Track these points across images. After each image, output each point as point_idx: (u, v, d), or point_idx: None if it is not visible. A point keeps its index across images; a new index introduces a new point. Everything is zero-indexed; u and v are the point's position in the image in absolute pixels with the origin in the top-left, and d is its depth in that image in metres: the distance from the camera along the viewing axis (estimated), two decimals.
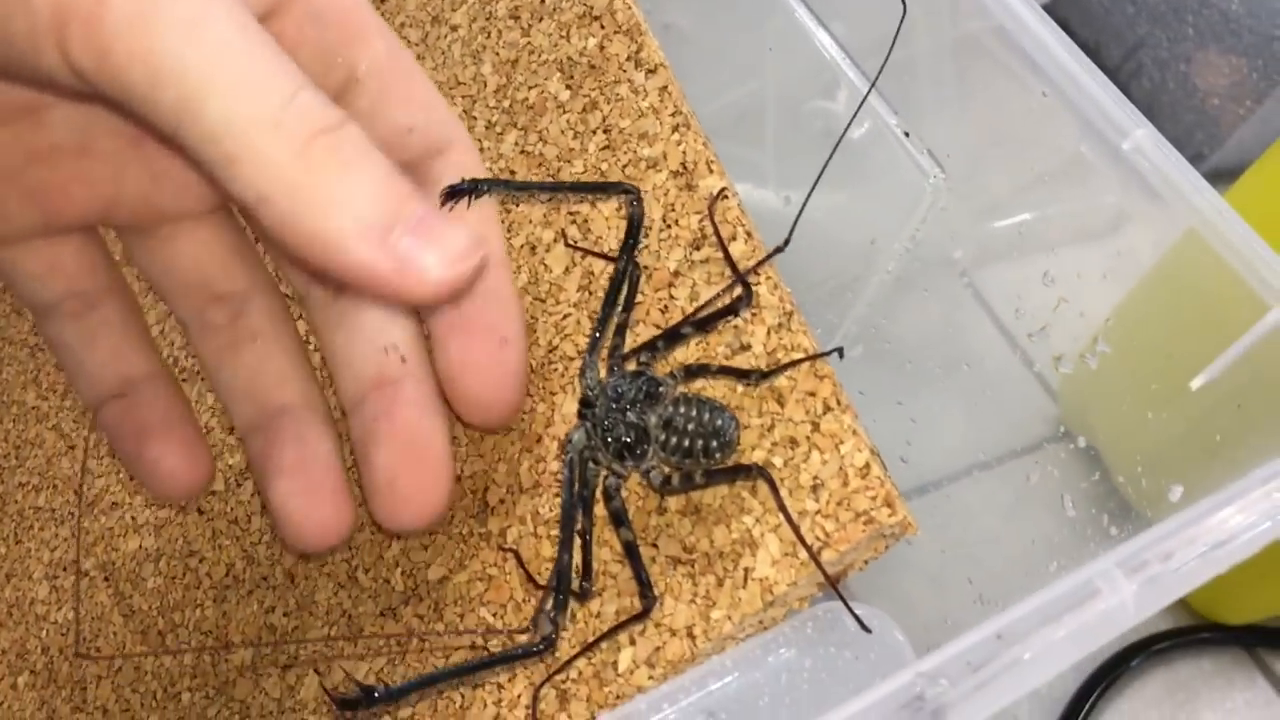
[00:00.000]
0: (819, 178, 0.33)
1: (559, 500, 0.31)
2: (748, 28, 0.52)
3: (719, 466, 0.28)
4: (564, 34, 0.36)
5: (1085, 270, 0.37)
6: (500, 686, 0.30)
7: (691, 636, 0.28)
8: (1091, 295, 0.37)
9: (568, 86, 0.36)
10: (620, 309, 0.31)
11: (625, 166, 0.34)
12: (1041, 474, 0.39)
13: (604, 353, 0.31)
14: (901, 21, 0.34)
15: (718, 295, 0.31)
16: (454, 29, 0.40)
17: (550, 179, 0.35)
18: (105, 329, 0.31)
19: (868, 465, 0.28)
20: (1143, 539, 0.25)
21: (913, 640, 0.31)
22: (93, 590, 0.39)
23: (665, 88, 0.34)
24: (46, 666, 0.39)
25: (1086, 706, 0.59)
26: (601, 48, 0.35)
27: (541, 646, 0.29)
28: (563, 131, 0.35)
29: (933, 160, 0.37)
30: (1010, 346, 0.43)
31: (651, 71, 0.34)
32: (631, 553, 0.29)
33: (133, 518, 0.39)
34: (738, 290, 0.30)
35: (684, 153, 0.33)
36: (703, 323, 0.30)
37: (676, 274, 0.32)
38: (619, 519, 0.29)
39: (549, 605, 0.29)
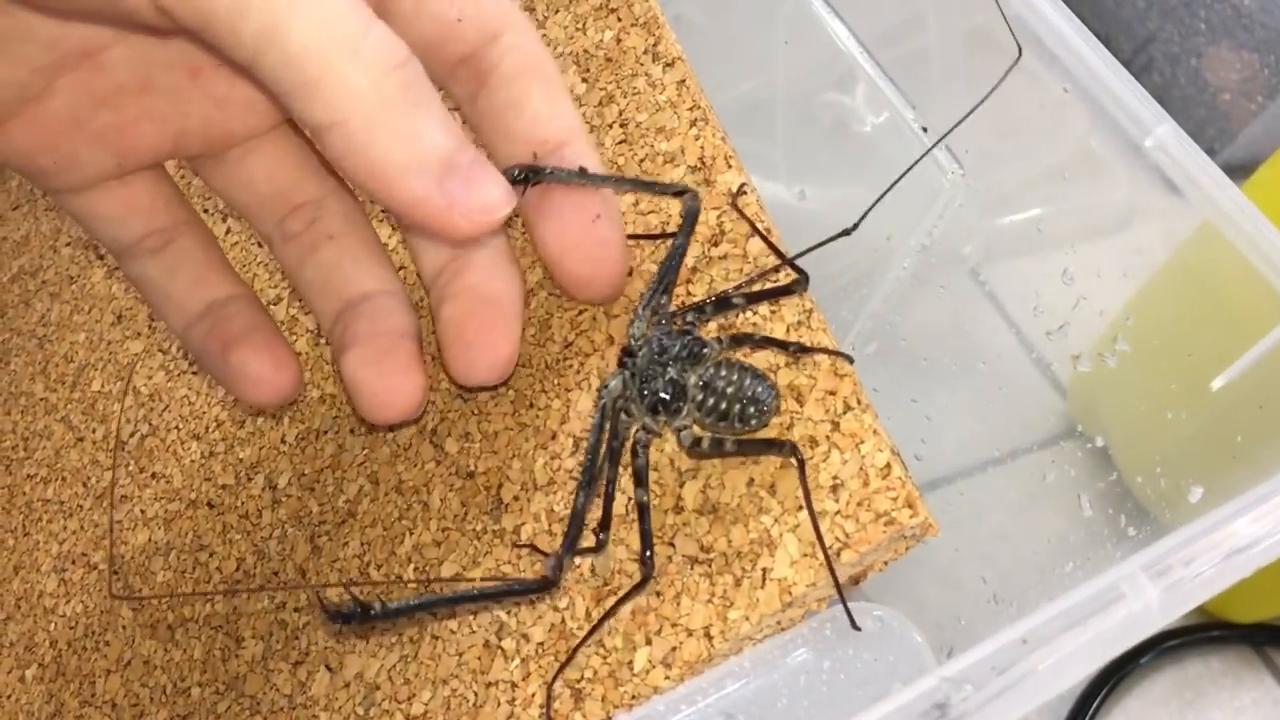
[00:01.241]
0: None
1: (573, 498, 0.31)
2: (759, 19, 0.52)
3: (751, 436, 0.28)
4: (580, 26, 0.36)
5: (1104, 268, 0.36)
6: (514, 685, 0.30)
7: (709, 637, 0.28)
8: (1110, 293, 0.36)
9: (584, 79, 0.35)
10: (672, 274, 0.31)
11: (642, 161, 0.33)
12: (1058, 473, 0.39)
13: (652, 311, 0.31)
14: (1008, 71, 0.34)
15: (768, 272, 0.31)
16: None
17: None
18: (186, 260, 0.33)
19: (889, 465, 0.27)
20: (1166, 543, 0.25)
21: (927, 639, 0.30)
22: (101, 584, 0.39)
23: (683, 81, 0.34)
24: (55, 660, 0.39)
25: (1095, 704, 0.59)
26: (618, 40, 0.35)
27: (542, 584, 0.28)
28: None
29: (951, 157, 0.37)
30: (1024, 344, 0.42)
31: (669, 65, 0.34)
32: (643, 514, 0.29)
33: (142, 511, 0.39)
34: (786, 275, 0.30)
35: (702, 147, 0.33)
36: (755, 296, 0.30)
37: (694, 270, 0.31)
38: (640, 478, 0.29)
39: (558, 549, 0.29)
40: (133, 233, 0.32)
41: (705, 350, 0.29)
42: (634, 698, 0.28)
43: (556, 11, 0.36)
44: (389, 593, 0.32)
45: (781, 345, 0.29)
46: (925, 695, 0.22)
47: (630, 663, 0.29)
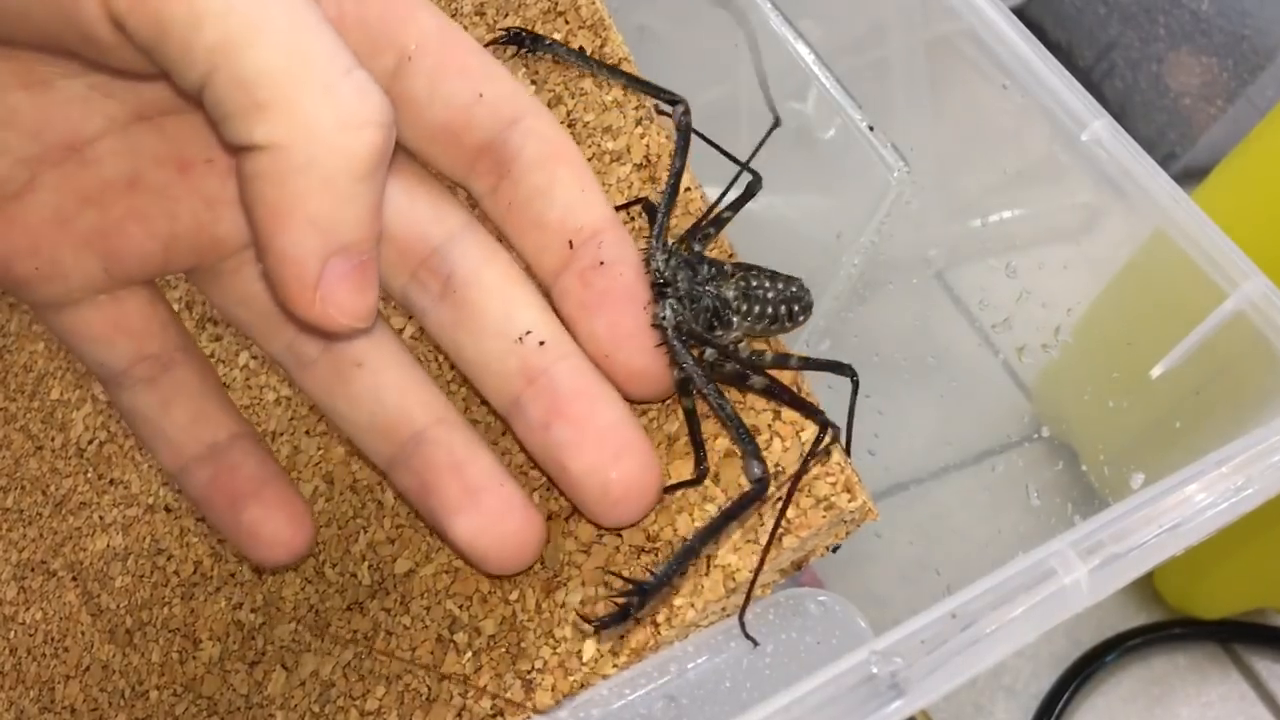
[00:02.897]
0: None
1: (723, 420, 0.30)
2: (721, 29, 0.53)
3: (813, 359, 0.29)
4: (529, 29, 0.36)
5: (1047, 262, 0.37)
6: (466, 679, 0.30)
7: (655, 624, 0.28)
8: (1053, 286, 0.37)
9: (533, 81, 0.36)
10: (672, 202, 0.31)
11: (590, 160, 0.34)
12: (1007, 465, 0.39)
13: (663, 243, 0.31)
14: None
15: (728, 188, 0.31)
16: None
17: None
18: (182, 392, 0.30)
19: (828, 452, 0.28)
20: (1097, 521, 0.25)
21: (881, 632, 0.31)
22: (60, 590, 0.39)
23: None
24: (14, 667, 0.39)
25: (1062, 702, 0.59)
26: (566, 42, 0.35)
27: (761, 486, 0.27)
28: None
29: (897, 154, 0.38)
30: (980, 341, 0.43)
31: (615, 66, 0.35)
32: (691, 420, 0.29)
33: (100, 517, 0.39)
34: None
35: (647, 146, 0.33)
36: (735, 205, 0.31)
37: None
38: (684, 388, 0.29)
39: (746, 456, 0.28)
40: (123, 357, 0.29)
41: (725, 268, 0.30)
42: (583, 686, 0.28)
43: (505, 15, 0.37)
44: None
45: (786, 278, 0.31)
46: (856, 668, 0.22)
47: (579, 652, 0.29)
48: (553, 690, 0.29)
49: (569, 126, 0.34)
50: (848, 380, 0.31)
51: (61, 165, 0.26)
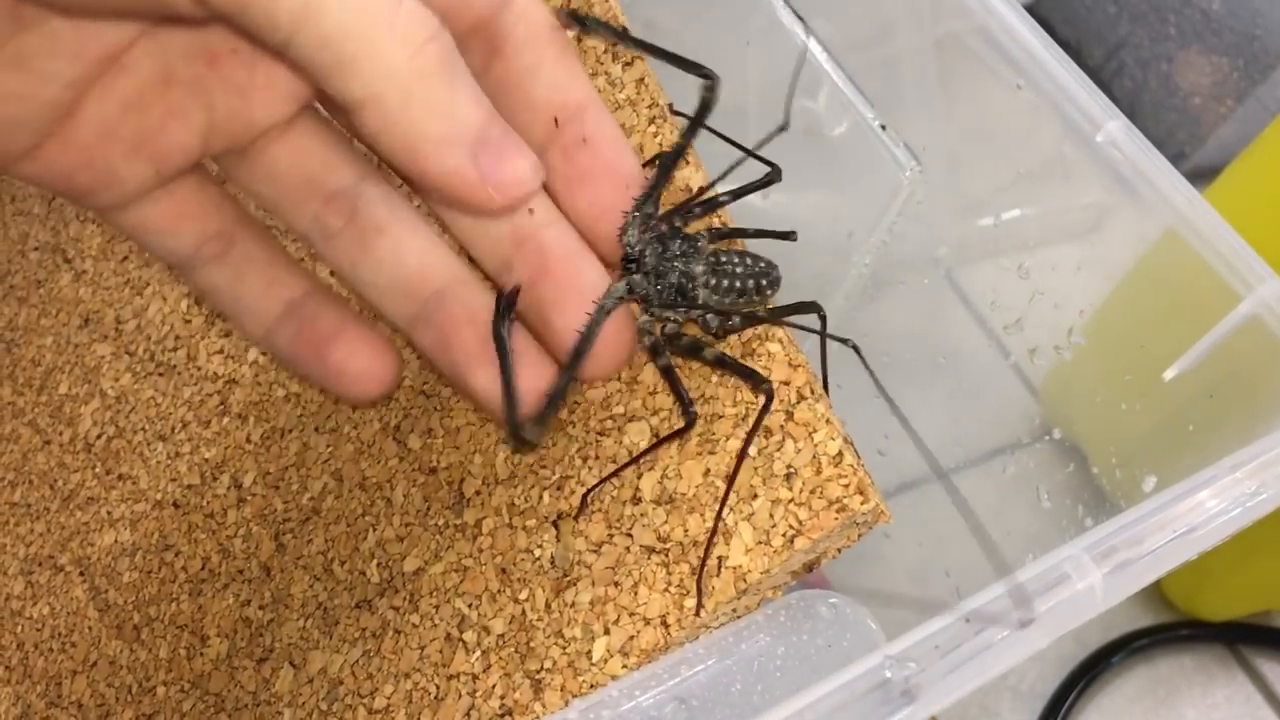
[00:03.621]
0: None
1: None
2: (730, 25, 0.52)
3: (780, 305, 0.31)
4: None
5: (1060, 263, 0.37)
6: (475, 677, 0.30)
7: (665, 625, 0.28)
8: (1067, 289, 0.37)
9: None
10: (663, 182, 0.32)
11: None
12: (1018, 466, 0.39)
13: (642, 220, 0.31)
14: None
15: (726, 172, 0.32)
16: None
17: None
18: (251, 261, 0.32)
19: (840, 454, 0.28)
20: (1111, 525, 0.25)
21: (891, 634, 0.31)
22: (68, 585, 0.39)
23: (642, 80, 0.34)
24: (22, 662, 0.39)
25: (1068, 703, 0.59)
26: (579, 40, 0.35)
27: (768, 386, 0.28)
28: None
29: (909, 153, 0.38)
30: (989, 341, 0.43)
31: (629, 64, 0.35)
32: (669, 375, 0.30)
33: (108, 512, 0.39)
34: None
35: (660, 144, 0.33)
36: (738, 193, 0.32)
37: None
38: (656, 350, 0.30)
39: (746, 379, 0.29)
40: (189, 242, 0.31)
41: (700, 244, 0.31)
42: (592, 687, 0.28)
43: None
44: None
45: (782, 236, 0.32)
46: (870, 673, 0.22)
47: (589, 652, 0.29)
48: (562, 690, 0.29)
49: None
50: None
51: (101, 79, 0.28)
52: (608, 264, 0.31)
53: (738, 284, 0.30)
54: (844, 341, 0.30)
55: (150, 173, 0.30)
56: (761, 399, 0.28)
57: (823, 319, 0.31)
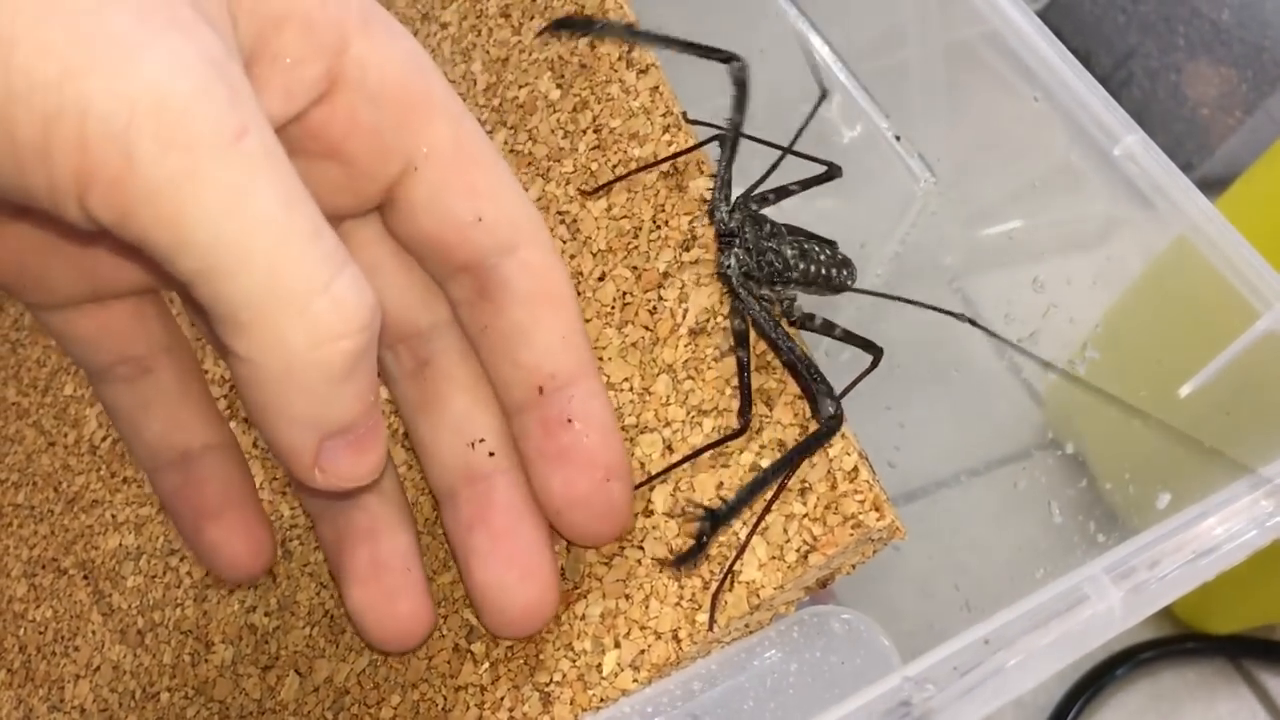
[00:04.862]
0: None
1: (792, 357, 0.30)
2: (740, 29, 0.52)
3: (853, 333, 0.31)
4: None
5: (1075, 276, 0.37)
6: (483, 689, 0.30)
7: (677, 640, 0.28)
8: (1081, 302, 0.37)
9: (558, 85, 0.35)
10: (724, 169, 0.31)
11: (615, 166, 0.33)
12: (1029, 480, 0.39)
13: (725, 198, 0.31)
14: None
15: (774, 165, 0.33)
16: (444, 26, 0.40)
17: (540, 177, 0.35)
18: (161, 395, 0.30)
19: (856, 469, 0.27)
20: (1130, 546, 0.25)
21: (899, 647, 0.30)
22: (71, 588, 0.39)
23: (657, 88, 0.34)
24: (24, 665, 0.39)
25: (1071, 716, 0.59)
26: (593, 46, 0.35)
27: (834, 423, 0.27)
28: (553, 131, 0.35)
29: (924, 164, 0.37)
30: (999, 353, 0.43)
31: (643, 72, 0.34)
32: (742, 372, 0.29)
33: (112, 515, 0.39)
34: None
35: (674, 152, 0.33)
36: (805, 184, 0.33)
37: (666, 275, 0.32)
38: (740, 340, 0.29)
39: (818, 394, 0.28)
40: (104, 358, 0.29)
41: (780, 228, 0.31)
42: (602, 700, 0.28)
43: (532, 18, 0.37)
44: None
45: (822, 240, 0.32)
46: (889, 694, 0.22)
47: (599, 666, 0.29)
48: (571, 704, 0.29)
49: (594, 133, 0.34)
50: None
51: None
52: (571, 543, 0.30)
53: (822, 271, 0.30)
54: (872, 351, 0.30)
55: (86, 290, 0.27)
56: (819, 422, 0.27)
57: (875, 364, 0.31)
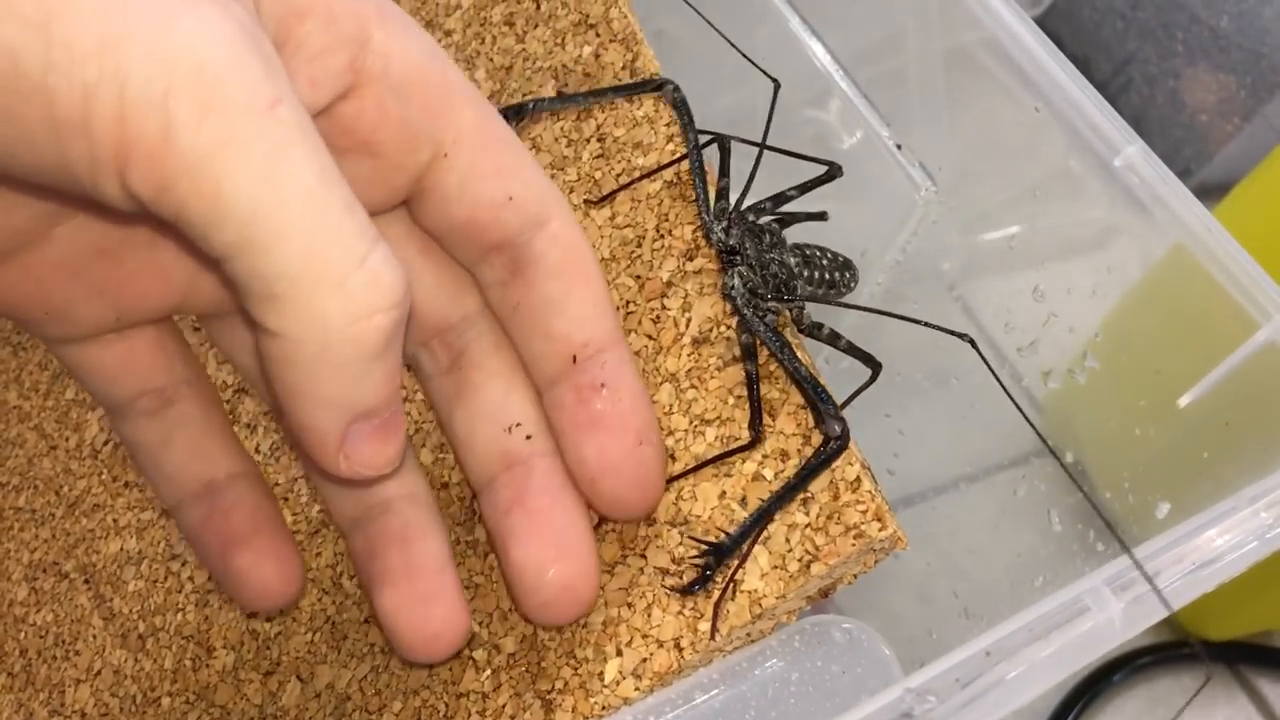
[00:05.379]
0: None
1: (801, 378, 0.30)
2: (740, 35, 0.52)
3: (855, 345, 0.31)
4: (559, 41, 0.36)
5: (1075, 285, 0.37)
6: (485, 696, 0.30)
7: (679, 649, 0.28)
8: (1081, 310, 0.37)
9: (559, 92, 0.35)
10: (718, 177, 0.32)
11: (619, 175, 0.34)
12: (1028, 488, 0.39)
13: (719, 213, 0.31)
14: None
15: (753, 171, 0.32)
16: (448, 34, 0.40)
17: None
18: (184, 427, 0.30)
19: (858, 479, 0.28)
20: (1129, 557, 0.25)
21: (898, 654, 0.31)
22: (72, 592, 0.39)
23: (660, 97, 0.34)
24: (25, 669, 0.39)
25: None
26: (597, 55, 0.35)
27: (840, 442, 0.27)
28: (556, 139, 0.35)
29: (924, 173, 0.38)
30: (998, 360, 0.43)
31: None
32: (750, 385, 0.29)
33: (114, 520, 0.39)
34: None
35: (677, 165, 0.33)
36: (804, 187, 0.33)
37: (669, 284, 0.32)
38: (748, 353, 0.29)
39: (824, 414, 0.28)
40: (126, 392, 0.29)
41: (781, 235, 0.31)
42: (604, 709, 0.28)
43: (536, 26, 0.37)
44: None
45: (818, 216, 0.33)
46: (890, 706, 0.22)
47: (601, 674, 0.29)
48: (573, 711, 0.29)
49: (599, 142, 0.34)
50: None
51: (76, 217, 0.26)
52: (607, 516, 0.29)
53: (827, 275, 0.30)
54: (871, 365, 0.30)
55: (110, 319, 0.27)
56: (822, 438, 0.27)
57: (873, 379, 0.31)
